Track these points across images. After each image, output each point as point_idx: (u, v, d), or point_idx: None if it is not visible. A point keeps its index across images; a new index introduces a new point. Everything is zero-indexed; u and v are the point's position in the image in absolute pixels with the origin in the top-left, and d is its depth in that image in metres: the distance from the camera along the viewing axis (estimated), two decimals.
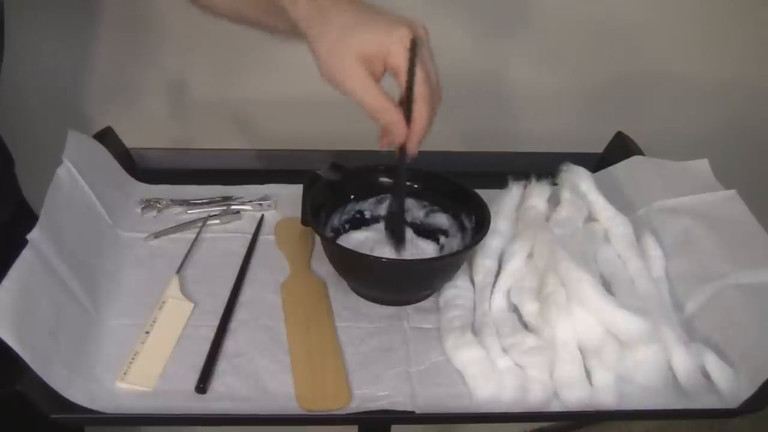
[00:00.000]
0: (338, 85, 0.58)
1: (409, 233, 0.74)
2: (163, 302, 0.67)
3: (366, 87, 0.58)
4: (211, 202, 0.81)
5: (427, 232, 0.75)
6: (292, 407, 0.59)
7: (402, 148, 0.62)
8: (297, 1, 0.59)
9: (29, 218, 0.62)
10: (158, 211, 0.79)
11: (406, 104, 0.59)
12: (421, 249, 0.74)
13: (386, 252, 0.70)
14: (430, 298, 0.70)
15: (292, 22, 0.60)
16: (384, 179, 0.74)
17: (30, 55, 0.96)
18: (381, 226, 0.75)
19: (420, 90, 0.59)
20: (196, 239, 0.76)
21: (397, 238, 0.70)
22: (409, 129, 0.60)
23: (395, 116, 0.59)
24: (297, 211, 0.75)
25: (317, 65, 0.59)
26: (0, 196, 0.76)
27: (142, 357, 0.62)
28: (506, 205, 0.76)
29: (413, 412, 0.58)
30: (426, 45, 0.60)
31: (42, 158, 0.71)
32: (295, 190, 0.74)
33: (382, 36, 0.57)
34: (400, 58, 0.57)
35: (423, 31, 0.59)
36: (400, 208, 0.69)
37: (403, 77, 0.58)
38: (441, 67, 0.62)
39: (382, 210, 0.75)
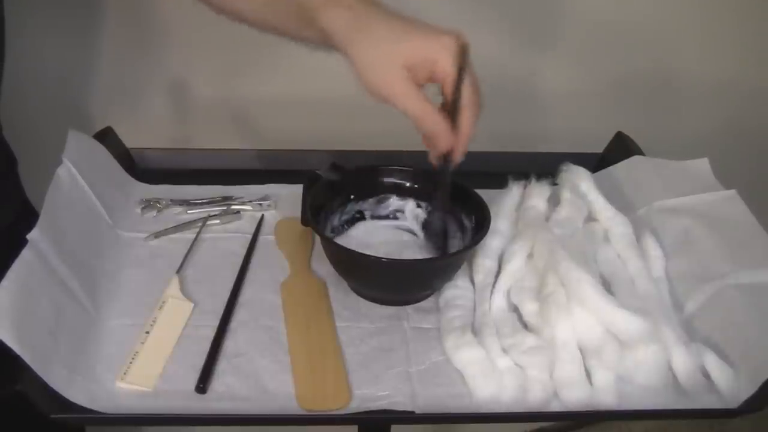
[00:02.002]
0: (380, 94, 0.58)
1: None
2: (163, 302, 0.67)
3: (410, 94, 0.57)
4: (211, 202, 0.81)
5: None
6: (292, 407, 0.59)
7: (446, 155, 0.62)
8: (331, 12, 0.58)
9: (33, 218, 0.62)
10: (158, 211, 0.79)
11: (452, 111, 0.59)
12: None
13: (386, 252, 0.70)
14: (430, 298, 0.70)
15: (325, 33, 0.59)
16: (384, 179, 0.75)
17: (32, 55, 0.96)
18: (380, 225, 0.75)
19: (468, 97, 0.59)
20: (196, 239, 0.76)
21: (438, 247, 0.70)
22: (455, 137, 0.60)
23: (441, 124, 0.58)
24: (297, 211, 0.75)
25: (357, 75, 0.58)
26: (4, 197, 0.76)
27: (142, 357, 0.62)
28: (506, 205, 0.76)
29: (413, 412, 0.58)
30: (468, 52, 0.60)
31: (43, 158, 0.71)
32: (295, 190, 0.74)
33: (428, 43, 0.57)
34: (447, 66, 0.57)
35: (465, 39, 0.59)
36: (444, 219, 0.69)
37: (450, 85, 0.58)
38: None
39: (382, 210, 0.75)
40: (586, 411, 0.59)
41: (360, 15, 0.58)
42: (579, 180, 0.76)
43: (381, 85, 0.57)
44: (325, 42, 0.60)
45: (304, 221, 0.74)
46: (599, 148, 0.90)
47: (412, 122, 0.59)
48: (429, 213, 0.73)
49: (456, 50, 0.57)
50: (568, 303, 0.62)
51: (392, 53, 0.57)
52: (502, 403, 0.59)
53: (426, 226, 0.73)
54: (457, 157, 0.62)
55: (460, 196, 0.72)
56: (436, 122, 0.58)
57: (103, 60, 0.99)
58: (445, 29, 0.58)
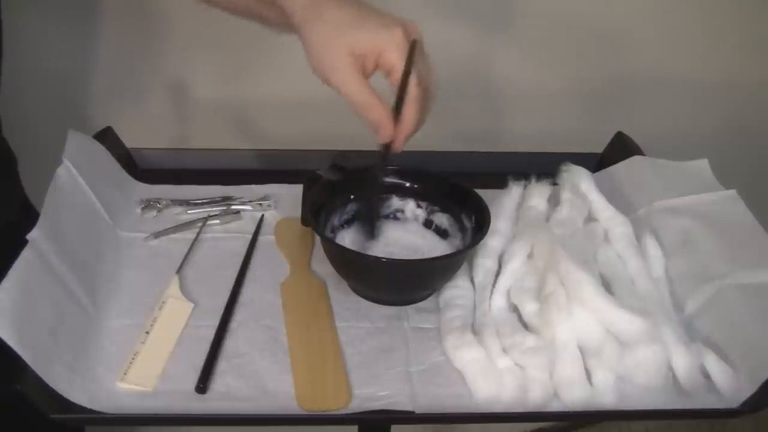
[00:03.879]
0: (326, 79, 0.58)
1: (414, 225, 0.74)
2: (163, 302, 0.67)
3: (354, 82, 0.57)
4: (211, 202, 0.81)
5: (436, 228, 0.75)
6: (292, 407, 0.59)
7: (386, 146, 0.61)
8: None
9: (33, 218, 0.62)
10: (158, 211, 0.79)
11: (396, 103, 0.59)
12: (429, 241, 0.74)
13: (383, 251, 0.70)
14: (430, 298, 0.70)
15: (286, 14, 0.60)
16: (384, 179, 0.74)
17: (31, 55, 0.96)
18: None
19: (411, 90, 0.59)
20: (196, 239, 0.76)
21: (367, 232, 0.69)
22: (397, 128, 0.60)
23: (381, 113, 0.59)
24: (297, 211, 0.75)
25: (308, 58, 0.59)
26: (4, 197, 0.76)
27: (142, 357, 0.62)
28: (506, 205, 0.76)
29: (413, 412, 0.58)
30: (420, 46, 0.60)
31: (43, 158, 0.71)
32: (295, 190, 0.74)
33: (376, 34, 0.57)
34: (393, 57, 0.58)
35: (418, 31, 0.59)
36: (372, 204, 0.68)
37: (396, 76, 0.58)
38: (441, 67, 0.62)
39: (382, 210, 0.75)
40: (586, 411, 0.59)
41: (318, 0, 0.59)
42: (579, 180, 0.76)
43: (326, 67, 0.58)
44: (286, 23, 0.60)
45: (304, 221, 0.74)
46: (599, 148, 0.90)
47: (354, 110, 0.58)
48: (359, 199, 0.71)
49: (405, 44, 0.58)
50: (568, 303, 0.62)
51: (340, 39, 0.57)
52: (502, 403, 0.59)
53: (356, 213, 0.72)
54: (397, 148, 0.62)
55: (460, 196, 0.72)
56: (377, 112, 0.58)
57: (103, 60, 0.99)
58: (400, 20, 0.59)
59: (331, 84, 0.58)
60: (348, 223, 0.74)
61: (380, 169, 0.67)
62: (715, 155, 0.79)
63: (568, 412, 0.59)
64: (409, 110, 0.59)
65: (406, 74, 0.58)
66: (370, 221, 0.69)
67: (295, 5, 0.59)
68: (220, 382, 0.61)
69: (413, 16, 0.61)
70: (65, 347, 0.59)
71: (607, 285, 0.66)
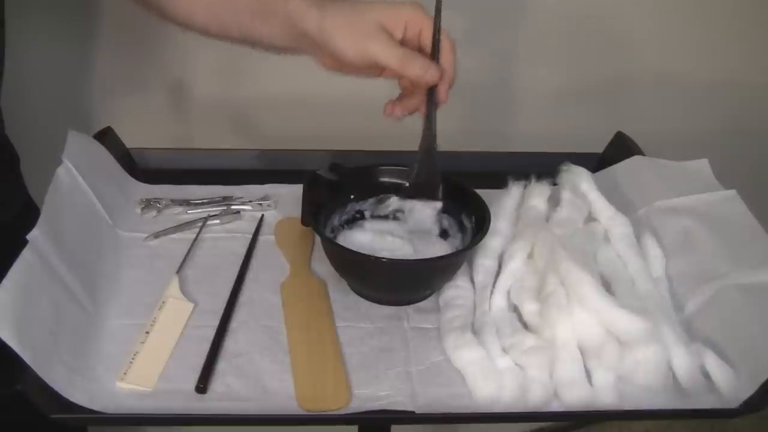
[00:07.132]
0: (363, 51, 0.61)
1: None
2: (163, 302, 0.67)
3: (391, 43, 0.61)
4: (211, 202, 0.81)
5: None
6: (292, 407, 0.59)
7: (431, 100, 0.65)
8: (297, 2, 0.62)
9: (35, 217, 0.62)
10: (158, 211, 0.79)
11: (432, 54, 0.63)
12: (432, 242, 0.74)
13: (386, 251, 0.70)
14: (430, 298, 0.70)
15: (291, 19, 0.62)
16: (384, 179, 0.74)
17: (33, 54, 0.96)
18: (380, 225, 0.75)
19: (444, 40, 0.63)
20: (196, 239, 0.76)
21: (431, 195, 0.70)
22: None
23: (425, 59, 0.62)
24: (297, 211, 0.75)
25: (337, 40, 0.61)
26: (7, 195, 0.76)
27: (142, 357, 0.62)
28: (506, 205, 0.76)
29: (413, 412, 0.58)
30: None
31: (42, 158, 0.71)
32: (295, 190, 0.74)
33: (396, 7, 0.62)
34: (420, 17, 0.62)
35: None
36: (433, 159, 0.69)
37: (427, 33, 0.63)
38: None
39: (382, 210, 0.75)
40: (586, 411, 0.59)
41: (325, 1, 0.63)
42: (579, 180, 0.76)
43: (361, 40, 0.61)
44: (288, 33, 0.64)
45: (304, 221, 0.74)
46: (599, 148, 0.90)
47: (396, 69, 0.61)
48: (415, 170, 0.71)
49: (423, 9, 0.62)
50: (568, 303, 0.62)
51: (367, 14, 0.62)
52: (502, 403, 0.59)
53: (415, 185, 0.71)
54: (444, 96, 0.65)
55: (460, 196, 0.72)
56: (420, 59, 0.62)
57: (103, 60, 0.99)
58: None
59: (369, 53, 0.61)
60: (348, 223, 0.74)
61: (432, 125, 0.67)
62: (715, 155, 0.79)
63: (568, 412, 0.60)
64: (447, 57, 0.63)
65: (437, 25, 0.62)
66: (432, 183, 0.69)
67: (302, 8, 0.62)
68: (220, 382, 0.61)
69: None
70: (65, 347, 0.59)
71: (607, 285, 0.66)
